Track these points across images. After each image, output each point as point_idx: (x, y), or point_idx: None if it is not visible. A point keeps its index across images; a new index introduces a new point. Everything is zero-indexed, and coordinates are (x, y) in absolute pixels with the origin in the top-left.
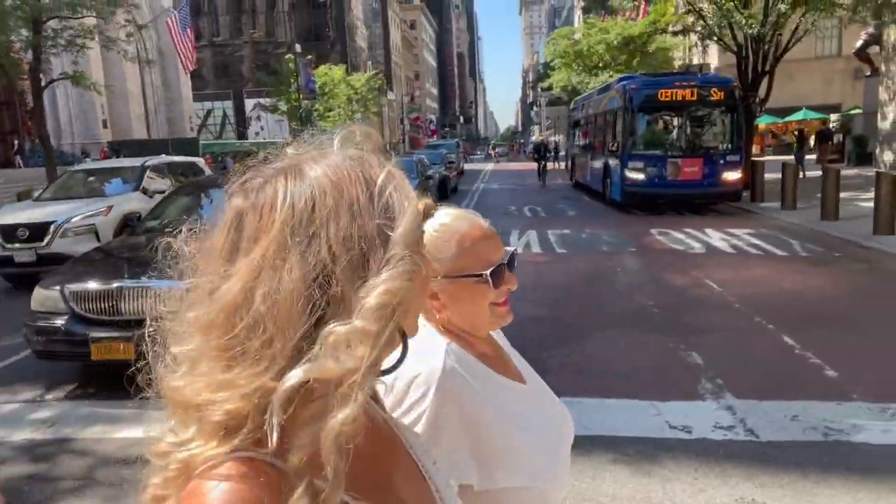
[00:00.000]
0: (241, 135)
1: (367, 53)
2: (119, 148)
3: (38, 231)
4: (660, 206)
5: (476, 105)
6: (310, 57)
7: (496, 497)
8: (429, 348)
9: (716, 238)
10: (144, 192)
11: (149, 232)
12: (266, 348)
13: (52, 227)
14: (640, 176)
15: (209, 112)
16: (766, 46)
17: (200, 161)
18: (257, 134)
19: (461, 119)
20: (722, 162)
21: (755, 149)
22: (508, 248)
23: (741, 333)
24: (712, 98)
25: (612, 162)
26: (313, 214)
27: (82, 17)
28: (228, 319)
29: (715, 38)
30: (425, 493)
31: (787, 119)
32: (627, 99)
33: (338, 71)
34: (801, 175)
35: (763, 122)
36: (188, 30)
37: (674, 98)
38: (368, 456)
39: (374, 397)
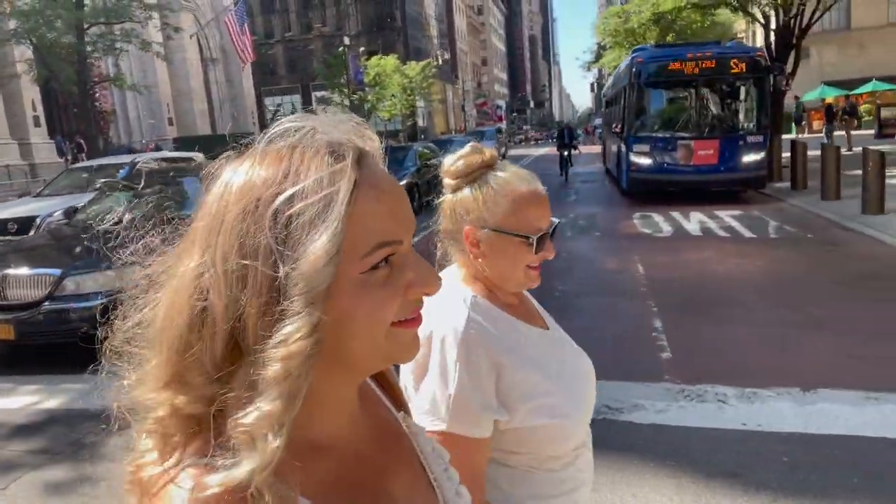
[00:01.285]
0: None
1: (430, 42)
2: (178, 144)
3: (25, 224)
4: (672, 196)
5: (550, 88)
6: (362, 49)
7: (521, 434)
8: (453, 303)
9: (694, 221)
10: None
11: (72, 225)
12: (157, 355)
13: (36, 221)
14: (647, 161)
15: (279, 106)
16: (792, 19)
17: (199, 156)
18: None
19: (531, 103)
20: (742, 144)
21: (815, 125)
22: (554, 219)
23: (615, 317)
24: (732, 71)
25: (622, 146)
26: (214, 219)
27: (122, 23)
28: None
29: (741, 10)
30: (428, 502)
31: (856, 91)
32: (634, 73)
33: (390, 61)
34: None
35: (830, 95)
36: (245, 26)
37: (686, 71)
38: (357, 460)
39: (389, 386)
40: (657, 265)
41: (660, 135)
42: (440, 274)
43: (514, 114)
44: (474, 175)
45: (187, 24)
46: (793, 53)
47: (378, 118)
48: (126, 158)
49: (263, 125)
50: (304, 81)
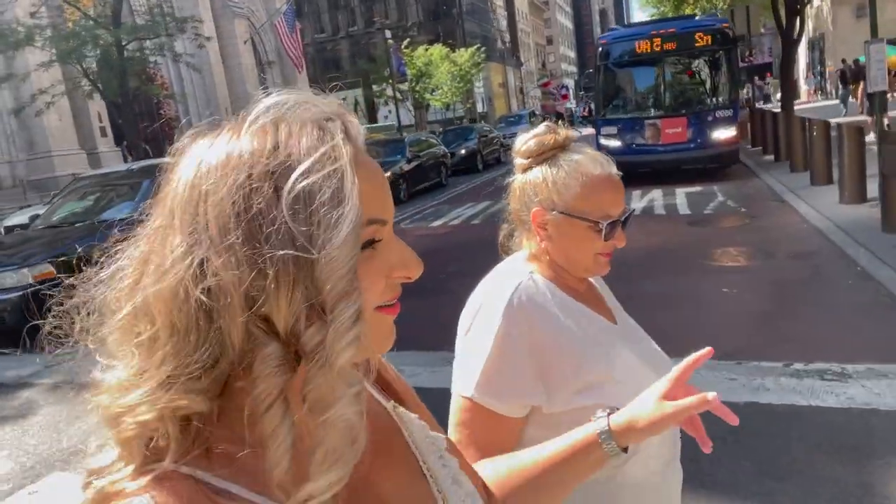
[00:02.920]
0: (371, 120)
1: (489, 27)
2: None
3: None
4: (651, 175)
5: None
6: (407, 40)
7: (569, 418)
8: (509, 277)
9: (644, 200)
10: None
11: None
12: (149, 353)
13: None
14: (616, 143)
15: (343, 101)
16: None
17: None
18: (386, 118)
19: None
20: (710, 119)
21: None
22: (628, 207)
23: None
24: (697, 45)
25: (594, 129)
26: (194, 200)
27: (158, 37)
28: (119, 301)
29: None
30: (420, 494)
31: None
32: (600, 55)
33: (436, 50)
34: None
35: (893, 54)
36: (295, 31)
37: (651, 49)
38: None
39: (381, 378)
40: None
41: (627, 116)
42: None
43: (583, 92)
44: (546, 155)
45: (241, 29)
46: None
47: (433, 107)
48: (122, 167)
49: None
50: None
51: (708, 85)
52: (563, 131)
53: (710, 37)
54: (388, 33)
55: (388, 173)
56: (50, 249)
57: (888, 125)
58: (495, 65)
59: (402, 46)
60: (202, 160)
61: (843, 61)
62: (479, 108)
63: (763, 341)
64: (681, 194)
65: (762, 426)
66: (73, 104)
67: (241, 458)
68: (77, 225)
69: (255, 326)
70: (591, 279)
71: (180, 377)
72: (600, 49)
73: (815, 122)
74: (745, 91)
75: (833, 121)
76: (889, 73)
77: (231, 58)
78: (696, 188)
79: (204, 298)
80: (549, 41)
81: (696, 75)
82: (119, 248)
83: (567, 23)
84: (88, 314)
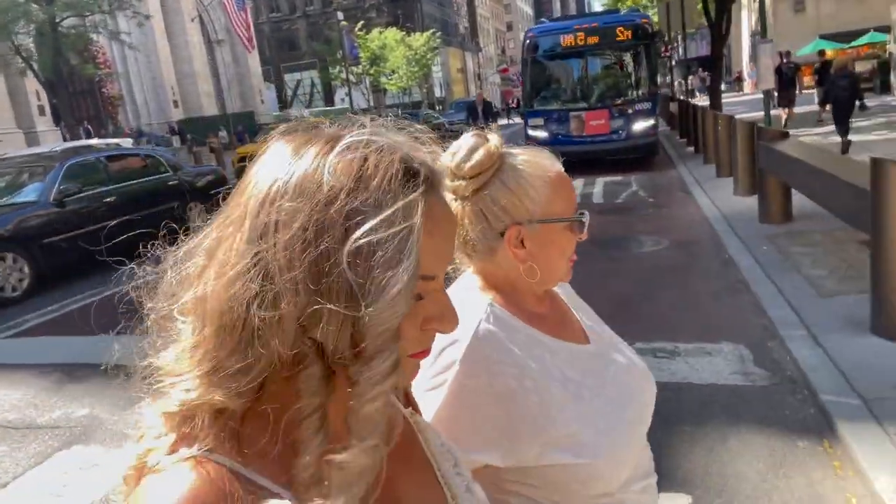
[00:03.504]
0: (328, 103)
1: (448, 11)
2: (181, 126)
3: None
4: (575, 167)
5: None
6: (362, 23)
7: (533, 472)
8: (466, 316)
9: None
10: None
11: None
12: (198, 344)
13: None
14: (543, 133)
15: (299, 83)
16: None
17: (126, 142)
18: (343, 100)
19: None
20: (631, 112)
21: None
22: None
23: None
24: (617, 39)
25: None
26: (267, 211)
27: (91, 15)
28: (178, 291)
29: None
30: (436, 501)
31: (854, 44)
32: (528, 48)
33: (390, 34)
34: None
35: (829, 48)
36: (244, 10)
37: (574, 43)
38: None
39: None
40: None
41: (553, 107)
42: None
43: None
44: (496, 166)
45: (188, 6)
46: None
47: (391, 91)
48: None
49: (283, 102)
50: (324, 57)
51: (629, 78)
52: (493, 135)
53: (630, 31)
54: (340, 15)
55: None
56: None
57: (786, 121)
58: (454, 50)
59: (357, 29)
60: (284, 174)
61: (780, 55)
62: (438, 92)
63: (620, 322)
64: (599, 184)
65: None
66: (8, 82)
67: (270, 454)
68: None
69: (303, 344)
70: (559, 295)
71: (219, 373)
72: (528, 42)
73: (721, 117)
74: (678, 83)
75: (742, 116)
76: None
77: (177, 35)
78: (616, 178)
79: (259, 314)
80: (510, 27)
81: (617, 69)
82: (200, 227)
83: (527, 9)
84: (154, 293)
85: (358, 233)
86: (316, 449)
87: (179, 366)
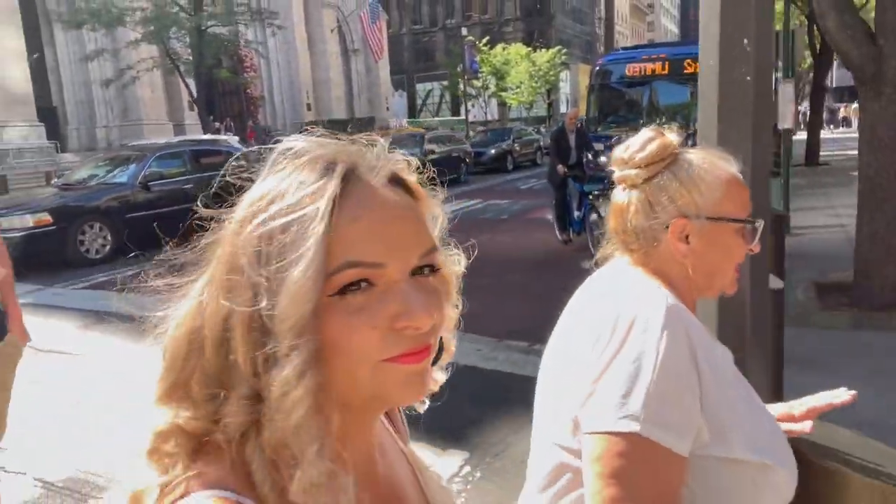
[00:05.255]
0: (455, 113)
1: (581, 27)
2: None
3: None
4: None
5: None
6: (487, 39)
7: (717, 469)
8: (647, 287)
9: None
10: None
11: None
12: (165, 374)
13: None
14: (603, 158)
15: (429, 92)
16: None
17: (231, 140)
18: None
19: None
20: (691, 143)
21: None
22: None
23: None
24: (686, 70)
25: None
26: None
27: (234, 25)
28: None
29: None
30: None
31: None
32: (595, 75)
33: (514, 49)
34: None
35: None
36: (377, 22)
37: (641, 73)
38: (366, 499)
39: (391, 418)
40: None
41: (613, 133)
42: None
43: None
44: (669, 160)
45: (329, 18)
46: None
47: (510, 106)
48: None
49: (413, 111)
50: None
51: (694, 109)
52: (671, 133)
53: (699, 64)
54: (464, 30)
55: None
56: (50, 201)
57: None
58: (586, 66)
59: (482, 44)
60: (245, 197)
61: None
62: (563, 108)
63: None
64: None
65: (491, 389)
66: (166, 79)
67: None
68: (80, 184)
69: (227, 364)
70: None
71: (187, 399)
72: (596, 68)
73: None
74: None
75: None
76: None
77: (317, 44)
78: None
79: (198, 325)
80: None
81: (682, 99)
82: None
83: (672, 27)
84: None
85: (253, 224)
86: (262, 468)
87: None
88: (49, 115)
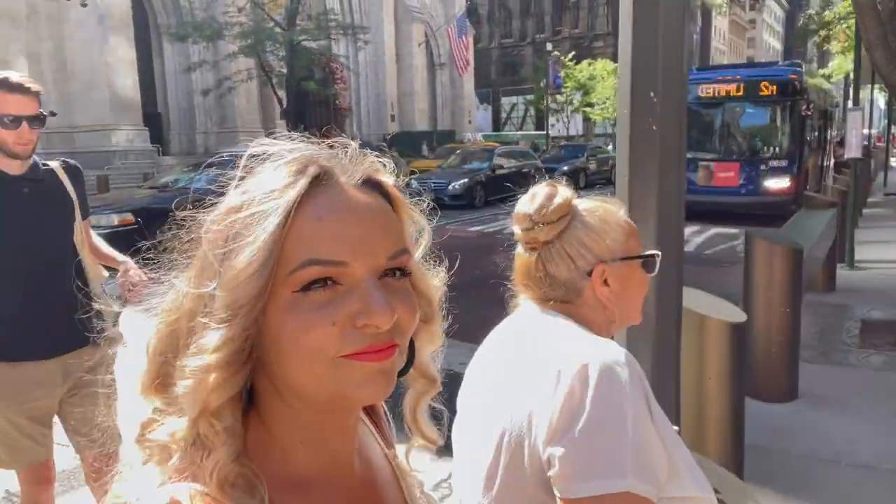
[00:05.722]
0: (539, 127)
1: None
2: (392, 138)
3: None
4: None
5: None
6: (573, 54)
7: None
8: (589, 341)
9: None
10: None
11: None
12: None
13: None
14: None
15: (514, 106)
16: None
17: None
18: (552, 126)
19: None
20: (765, 168)
21: None
22: None
23: None
24: (761, 93)
25: None
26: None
27: (323, 41)
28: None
29: None
30: None
31: None
32: None
33: (600, 65)
34: None
35: None
36: (464, 37)
37: (715, 94)
38: (341, 500)
39: (376, 421)
40: None
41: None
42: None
43: None
44: (573, 211)
45: (417, 33)
46: None
47: (594, 122)
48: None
49: (497, 125)
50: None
51: (769, 134)
52: (563, 186)
53: (775, 86)
54: (549, 45)
55: (465, 180)
56: (135, 202)
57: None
58: None
59: (567, 59)
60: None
61: None
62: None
63: None
64: (708, 233)
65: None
66: (261, 90)
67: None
68: (166, 187)
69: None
70: None
71: (159, 385)
72: None
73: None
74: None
75: None
76: None
77: (405, 58)
78: (731, 230)
79: (172, 323)
80: (749, 63)
81: (758, 123)
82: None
83: (776, 44)
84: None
85: (213, 216)
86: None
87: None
88: (153, 121)
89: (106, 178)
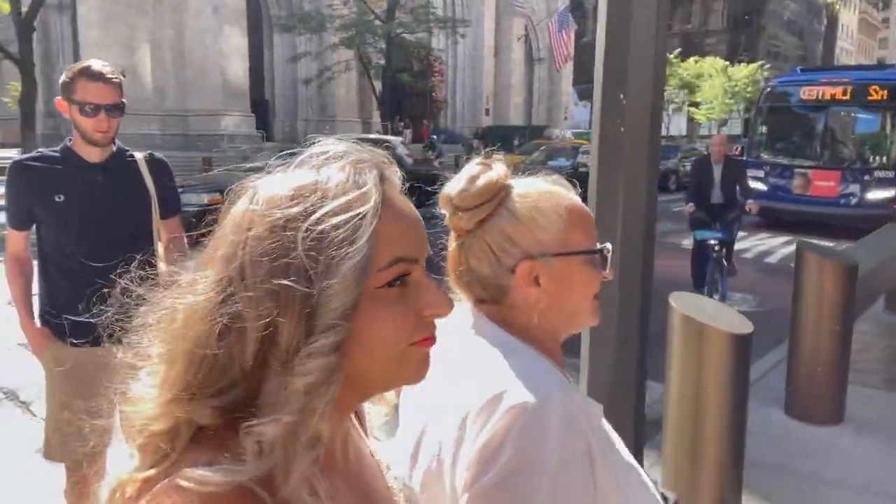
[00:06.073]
0: None
1: (795, 42)
2: (484, 132)
3: None
4: (792, 226)
5: None
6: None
7: None
8: (517, 357)
9: (751, 241)
10: None
11: None
12: (169, 367)
13: None
14: (761, 186)
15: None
16: None
17: (396, 139)
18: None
19: None
20: (869, 178)
21: None
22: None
23: None
24: (870, 98)
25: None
26: (239, 230)
27: (422, 34)
28: (157, 326)
29: None
30: None
31: None
32: (764, 97)
33: (709, 63)
34: None
35: None
36: (565, 31)
37: (818, 97)
38: (343, 489)
39: (359, 416)
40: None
41: (778, 160)
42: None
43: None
44: (501, 195)
45: (518, 27)
46: None
47: (699, 122)
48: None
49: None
50: None
51: (876, 141)
52: (497, 163)
53: (886, 91)
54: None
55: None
56: (226, 182)
57: None
58: None
59: (672, 56)
60: (252, 200)
61: None
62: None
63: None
64: (792, 245)
65: None
66: (360, 81)
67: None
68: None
69: (268, 356)
70: None
71: (193, 392)
72: (767, 90)
73: None
74: None
75: None
76: None
77: (503, 52)
78: (824, 241)
79: (225, 324)
80: (880, 63)
81: (864, 129)
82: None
83: None
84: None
85: (313, 218)
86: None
87: (150, 393)
88: (260, 108)
89: (210, 160)
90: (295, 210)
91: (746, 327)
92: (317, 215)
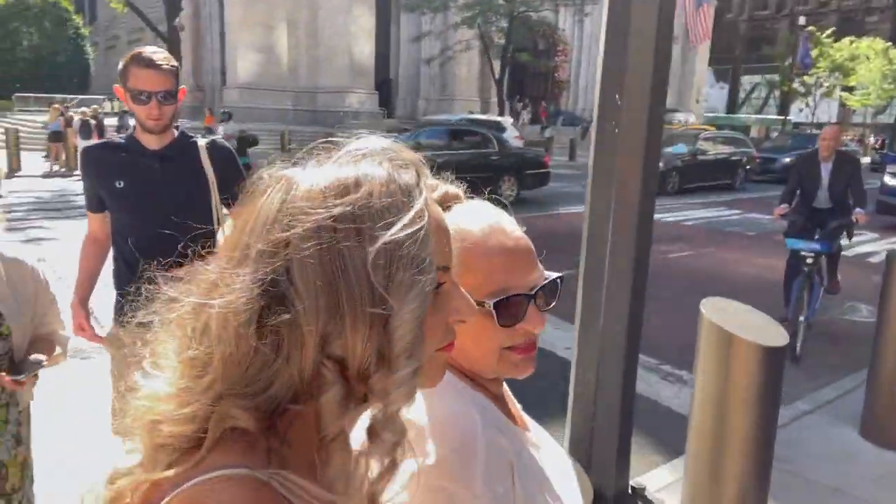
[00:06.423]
0: (782, 111)
1: None
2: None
3: None
4: None
5: None
6: (810, 27)
7: None
8: (446, 390)
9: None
10: None
11: None
12: (202, 367)
13: None
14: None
15: (755, 86)
16: None
17: (507, 120)
18: (801, 111)
19: None
20: None
21: None
22: (550, 273)
23: None
24: None
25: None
26: (277, 226)
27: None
28: (182, 322)
29: None
30: None
31: None
32: None
33: (866, 43)
34: None
35: None
36: (703, 7)
37: None
38: None
39: None
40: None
41: None
42: None
43: None
44: None
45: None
46: None
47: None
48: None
49: (733, 105)
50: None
51: None
52: (444, 188)
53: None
54: (802, 19)
55: (659, 165)
56: None
57: None
58: None
59: (825, 35)
60: (289, 194)
61: None
62: None
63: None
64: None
65: None
66: (481, 60)
67: (295, 468)
68: None
69: (324, 365)
70: None
71: (232, 395)
72: None
73: None
74: None
75: None
76: None
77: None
78: None
79: (276, 331)
80: None
81: None
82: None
83: None
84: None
85: (375, 231)
86: (341, 467)
87: (174, 394)
88: (384, 86)
89: (331, 136)
90: (344, 211)
91: (780, 339)
92: (391, 231)
